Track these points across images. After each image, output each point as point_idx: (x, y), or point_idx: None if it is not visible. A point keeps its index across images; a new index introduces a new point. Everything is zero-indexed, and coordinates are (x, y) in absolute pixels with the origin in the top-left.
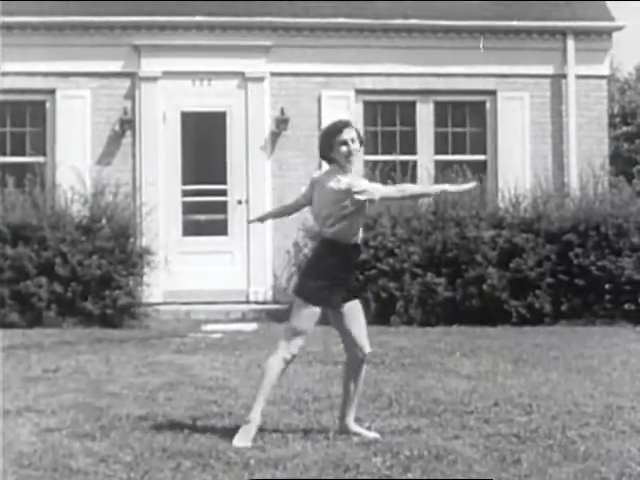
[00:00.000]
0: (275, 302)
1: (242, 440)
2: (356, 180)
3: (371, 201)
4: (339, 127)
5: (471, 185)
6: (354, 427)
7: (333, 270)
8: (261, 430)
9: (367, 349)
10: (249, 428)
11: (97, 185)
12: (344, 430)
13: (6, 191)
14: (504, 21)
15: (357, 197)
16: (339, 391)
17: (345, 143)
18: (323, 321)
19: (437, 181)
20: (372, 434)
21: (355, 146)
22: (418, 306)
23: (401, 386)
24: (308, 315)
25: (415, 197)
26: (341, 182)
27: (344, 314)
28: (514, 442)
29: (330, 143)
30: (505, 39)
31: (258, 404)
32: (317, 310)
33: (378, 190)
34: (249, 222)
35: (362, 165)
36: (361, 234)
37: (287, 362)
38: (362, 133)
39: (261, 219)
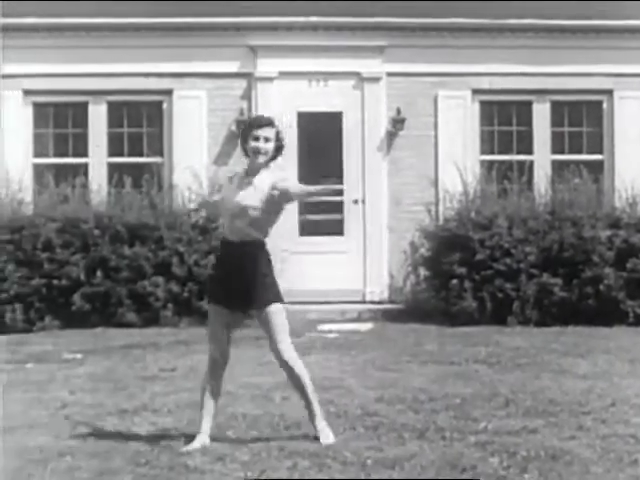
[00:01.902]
0: (391, 302)
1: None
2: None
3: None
4: (258, 123)
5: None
6: (322, 438)
7: (232, 270)
8: (376, 429)
9: (285, 355)
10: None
11: (213, 185)
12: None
13: (123, 191)
14: (621, 20)
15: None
16: (455, 391)
17: (257, 139)
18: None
19: (554, 181)
20: (328, 441)
21: (265, 145)
22: (534, 306)
23: (517, 386)
24: (211, 316)
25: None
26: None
27: (260, 320)
28: (631, 443)
29: (247, 134)
30: (621, 38)
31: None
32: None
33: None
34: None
35: (479, 165)
36: (229, 226)
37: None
38: (286, 140)
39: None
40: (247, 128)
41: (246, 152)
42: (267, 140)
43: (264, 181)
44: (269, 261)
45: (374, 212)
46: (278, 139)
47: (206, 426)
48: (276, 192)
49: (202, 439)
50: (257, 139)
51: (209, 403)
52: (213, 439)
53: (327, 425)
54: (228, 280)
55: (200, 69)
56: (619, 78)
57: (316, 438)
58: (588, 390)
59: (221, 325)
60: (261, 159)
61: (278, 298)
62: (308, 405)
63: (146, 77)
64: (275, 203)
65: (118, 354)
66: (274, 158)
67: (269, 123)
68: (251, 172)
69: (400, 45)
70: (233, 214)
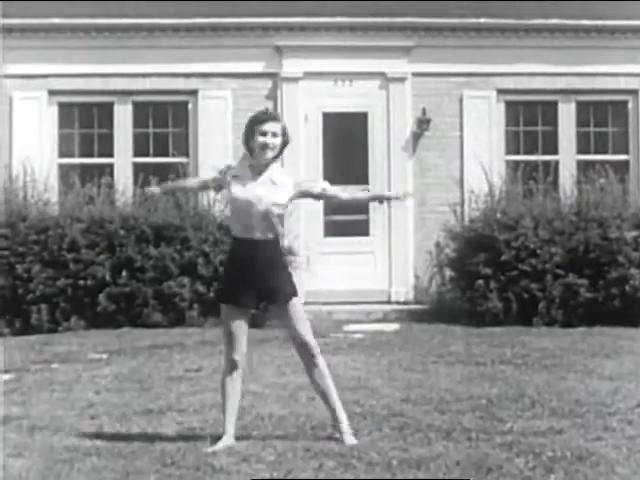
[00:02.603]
0: (417, 302)
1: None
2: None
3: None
4: (263, 118)
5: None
6: (344, 434)
7: (245, 267)
8: (402, 430)
9: (310, 342)
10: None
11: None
12: (338, 435)
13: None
14: None
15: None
16: (481, 392)
17: (264, 134)
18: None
19: (579, 181)
20: (353, 442)
21: (273, 140)
22: (560, 307)
23: (543, 387)
24: (224, 316)
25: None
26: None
27: (280, 313)
28: None
29: (252, 131)
30: None
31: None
32: (225, 308)
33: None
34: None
35: (504, 165)
36: (246, 233)
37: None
38: (289, 136)
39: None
40: (252, 124)
41: (250, 149)
42: (275, 135)
43: (282, 178)
44: (284, 255)
45: (399, 212)
46: (284, 134)
47: (230, 427)
48: (324, 192)
49: (226, 440)
50: (265, 134)
51: (230, 404)
52: (239, 439)
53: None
54: (249, 278)
55: (226, 69)
56: None
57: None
58: (614, 391)
59: (238, 325)
60: (270, 154)
61: (296, 291)
62: (328, 399)
63: (172, 77)
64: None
65: (144, 354)
66: (280, 154)
67: (275, 117)
68: (259, 168)
69: (426, 45)
70: (256, 212)
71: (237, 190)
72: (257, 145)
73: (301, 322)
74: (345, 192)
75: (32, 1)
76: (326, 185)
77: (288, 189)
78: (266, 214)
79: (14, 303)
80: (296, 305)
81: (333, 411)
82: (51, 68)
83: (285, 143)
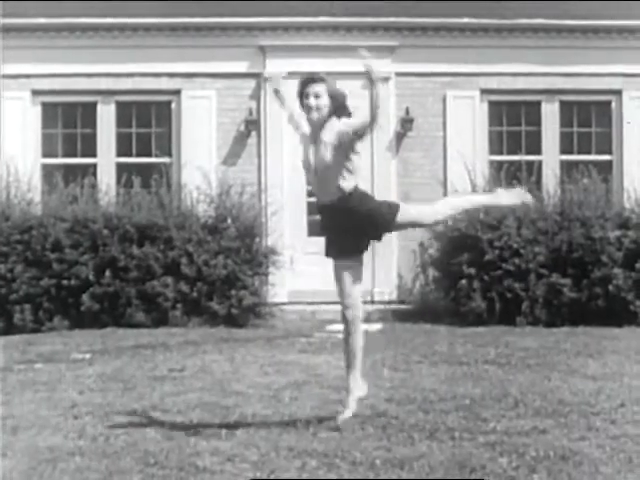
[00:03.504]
0: (400, 302)
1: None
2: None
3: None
4: (305, 81)
5: None
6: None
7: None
8: (386, 430)
9: (348, 304)
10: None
11: (223, 185)
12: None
13: (132, 191)
14: (630, 20)
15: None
16: (465, 391)
17: (307, 96)
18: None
19: (563, 181)
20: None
21: (319, 102)
22: (543, 306)
23: (527, 387)
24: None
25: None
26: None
27: (337, 267)
28: None
29: (300, 95)
30: (630, 38)
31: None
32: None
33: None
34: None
35: (487, 165)
36: (326, 195)
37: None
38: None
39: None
40: (299, 89)
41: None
42: (317, 96)
43: (332, 135)
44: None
45: None
46: (334, 97)
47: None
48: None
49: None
50: (307, 96)
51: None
52: (222, 439)
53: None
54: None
55: (209, 69)
56: (628, 78)
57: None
58: (598, 391)
59: (341, 274)
60: (314, 115)
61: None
62: (350, 358)
63: (155, 77)
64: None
65: (127, 354)
66: (334, 115)
67: (316, 79)
68: (314, 131)
69: (409, 45)
70: (316, 177)
71: (302, 154)
72: (303, 108)
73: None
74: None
75: (16, 1)
76: (351, 122)
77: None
78: (323, 178)
79: None
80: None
81: (349, 372)
82: (34, 68)
83: (340, 107)
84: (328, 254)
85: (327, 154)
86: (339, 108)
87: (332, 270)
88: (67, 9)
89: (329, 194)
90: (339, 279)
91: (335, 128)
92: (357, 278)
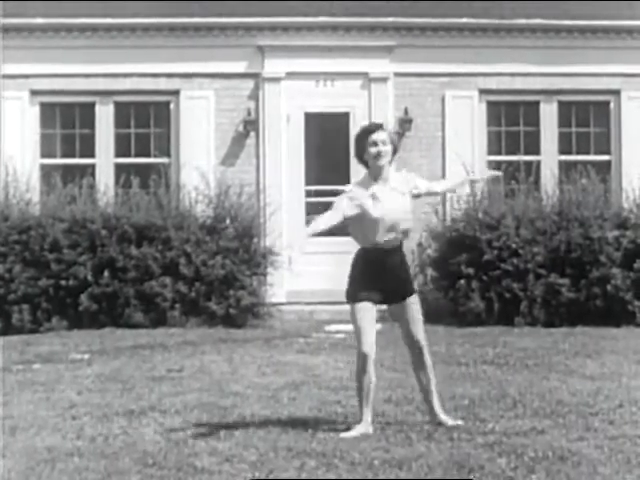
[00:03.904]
0: None
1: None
2: (407, 175)
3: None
4: (371, 129)
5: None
6: (440, 416)
7: (362, 271)
8: (384, 430)
9: (419, 336)
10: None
11: (221, 185)
12: (434, 421)
13: (131, 192)
14: (628, 21)
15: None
16: (463, 392)
17: (375, 144)
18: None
19: (561, 181)
20: (456, 422)
21: (385, 148)
22: (542, 307)
23: (525, 387)
24: (355, 313)
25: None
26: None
27: (399, 310)
28: (639, 443)
29: (363, 144)
30: (629, 38)
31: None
32: (360, 306)
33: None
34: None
35: (486, 165)
36: (383, 238)
37: (363, 360)
38: (397, 140)
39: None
40: (361, 138)
41: (364, 160)
42: (384, 143)
43: (399, 182)
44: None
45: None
46: (392, 141)
47: (367, 415)
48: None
49: (364, 428)
50: (376, 144)
51: (370, 396)
52: (221, 440)
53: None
54: (384, 278)
55: (208, 69)
56: (627, 78)
57: (438, 423)
58: (596, 391)
59: (371, 321)
60: (383, 161)
61: (414, 290)
62: (427, 389)
63: (153, 77)
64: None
65: (126, 354)
66: (392, 160)
67: (382, 127)
68: (377, 177)
69: (408, 45)
70: (389, 225)
71: (368, 205)
72: (370, 156)
73: (418, 315)
74: (439, 184)
75: (14, 1)
76: (425, 183)
77: (406, 192)
78: (396, 225)
79: None
80: (416, 301)
81: (430, 402)
82: (33, 68)
83: (395, 150)
84: (394, 300)
85: (402, 199)
86: (394, 153)
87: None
88: (66, 9)
89: (394, 239)
90: (417, 319)
91: (403, 177)
92: None
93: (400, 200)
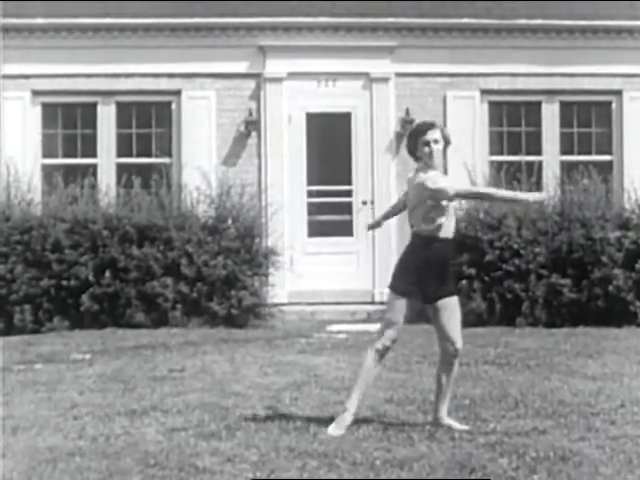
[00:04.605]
0: None
1: (337, 428)
2: (435, 177)
3: (444, 197)
4: (423, 129)
5: (541, 196)
6: (446, 420)
7: (421, 264)
8: (386, 430)
9: (458, 344)
10: (345, 417)
11: (223, 186)
12: (436, 423)
13: (132, 192)
14: (629, 21)
15: (429, 190)
16: (465, 392)
17: (427, 144)
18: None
19: (563, 182)
20: (463, 427)
21: (437, 146)
22: (543, 307)
23: (527, 387)
24: (398, 307)
25: (493, 199)
26: (420, 179)
27: (439, 309)
28: None
29: (415, 143)
30: (630, 38)
31: (355, 393)
32: (405, 302)
33: (452, 188)
34: (368, 229)
35: (487, 166)
36: (450, 229)
37: (380, 353)
38: (449, 135)
39: (377, 224)
40: (413, 136)
41: (417, 158)
42: (437, 142)
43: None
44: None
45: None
46: (444, 138)
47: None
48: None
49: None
50: (428, 144)
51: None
52: (222, 439)
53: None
54: (439, 277)
55: (209, 69)
56: (628, 78)
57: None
58: (598, 391)
59: (403, 315)
60: (436, 161)
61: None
62: (442, 391)
63: (155, 77)
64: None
65: (127, 355)
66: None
67: (434, 126)
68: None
69: (409, 45)
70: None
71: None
72: (424, 154)
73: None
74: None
75: (15, 1)
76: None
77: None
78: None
79: None
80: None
81: (438, 404)
82: (34, 68)
83: (446, 146)
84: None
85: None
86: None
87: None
88: (67, 9)
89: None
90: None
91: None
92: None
93: (411, 190)
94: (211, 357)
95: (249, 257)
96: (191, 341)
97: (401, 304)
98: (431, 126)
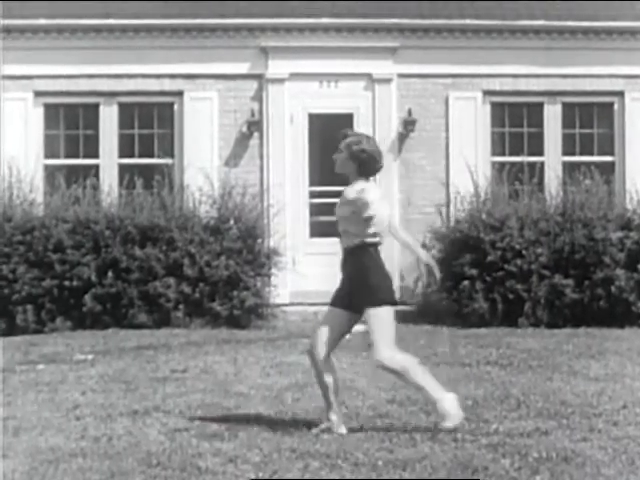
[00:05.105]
0: (402, 303)
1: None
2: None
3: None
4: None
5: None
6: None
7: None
8: (388, 431)
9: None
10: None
11: (225, 186)
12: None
13: (134, 192)
14: (632, 21)
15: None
16: (467, 393)
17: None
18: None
19: (565, 183)
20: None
21: (339, 155)
22: (546, 308)
23: (529, 388)
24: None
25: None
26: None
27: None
28: None
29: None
30: (632, 39)
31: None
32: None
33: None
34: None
35: (490, 166)
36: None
37: (308, 353)
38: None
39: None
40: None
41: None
42: (340, 151)
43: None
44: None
45: None
46: (349, 149)
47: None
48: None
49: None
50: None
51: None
52: (224, 440)
53: None
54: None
55: (211, 70)
56: (630, 79)
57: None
58: (600, 392)
59: (330, 323)
60: (336, 169)
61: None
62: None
63: (157, 78)
64: None
65: (130, 355)
66: (350, 168)
67: (345, 134)
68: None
69: (411, 46)
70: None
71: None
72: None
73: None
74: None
75: (18, 1)
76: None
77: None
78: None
79: None
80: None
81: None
82: (37, 69)
83: (354, 158)
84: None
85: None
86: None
87: None
88: (69, 10)
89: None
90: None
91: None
92: None
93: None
94: (213, 358)
95: (251, 257)
96: (193, 342)
97: (332, 312)
98: (343, 136)
